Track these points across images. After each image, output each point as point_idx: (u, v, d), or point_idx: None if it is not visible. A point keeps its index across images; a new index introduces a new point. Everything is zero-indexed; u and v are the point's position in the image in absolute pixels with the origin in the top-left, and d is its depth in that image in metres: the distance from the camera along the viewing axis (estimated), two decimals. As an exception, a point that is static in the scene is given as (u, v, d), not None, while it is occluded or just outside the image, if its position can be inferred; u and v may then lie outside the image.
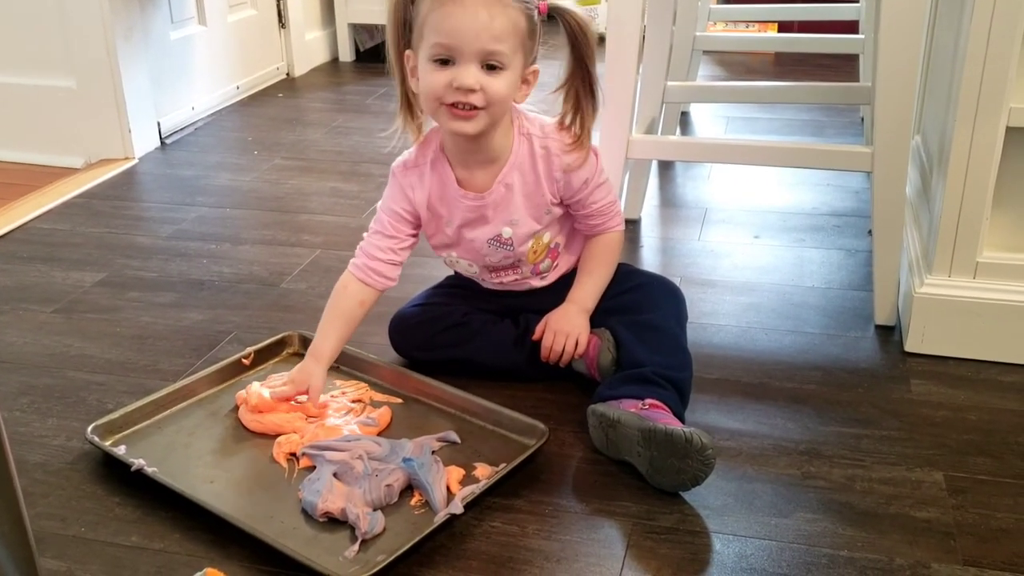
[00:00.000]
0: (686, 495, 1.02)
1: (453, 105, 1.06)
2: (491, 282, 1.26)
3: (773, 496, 1.02)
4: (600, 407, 1.08)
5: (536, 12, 1.08)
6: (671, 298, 1.21)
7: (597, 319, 1.21)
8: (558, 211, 1.19)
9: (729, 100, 2.24)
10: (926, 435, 1.12)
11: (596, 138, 1.43)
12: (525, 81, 1.11)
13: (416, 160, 1.18)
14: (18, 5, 2.01)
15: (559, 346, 1.18)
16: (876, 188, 1.32)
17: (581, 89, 1.12)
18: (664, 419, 1.02)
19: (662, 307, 1.19)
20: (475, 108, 1.06)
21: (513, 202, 1.16)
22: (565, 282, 1.25)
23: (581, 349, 1.18)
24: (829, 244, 1.64)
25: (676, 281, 1.49)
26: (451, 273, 1.34)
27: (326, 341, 1.16)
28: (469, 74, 1.05)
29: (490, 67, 1.05)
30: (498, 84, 1.06)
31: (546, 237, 1.21)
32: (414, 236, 1.21)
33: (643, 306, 1.19)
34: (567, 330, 1.18)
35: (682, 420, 1.08)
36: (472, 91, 1.05)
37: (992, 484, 1.04)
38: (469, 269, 1.25)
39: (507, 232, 1.18)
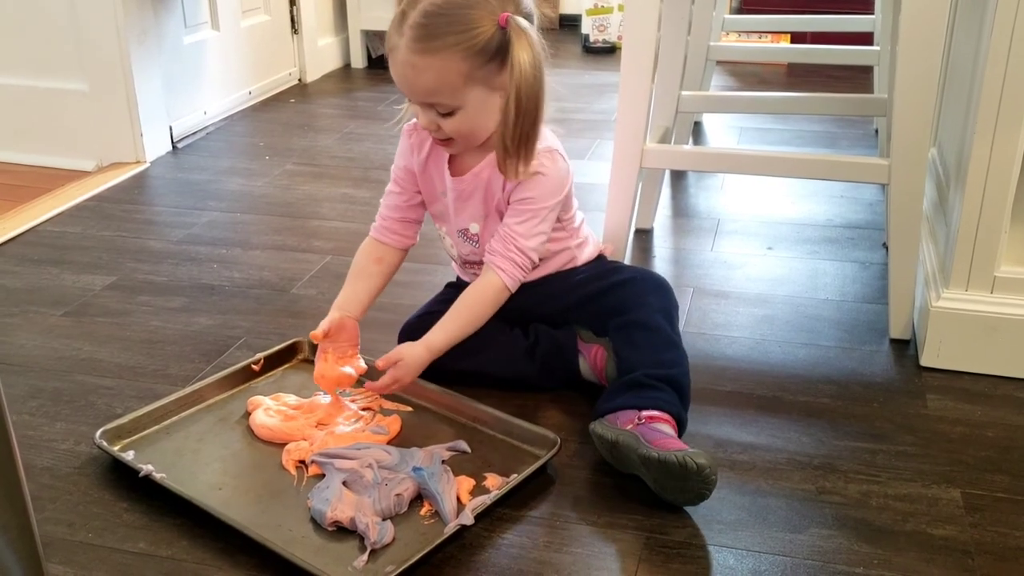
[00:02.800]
0: (699, 508, 1.00)
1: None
2: (467, 275, 1.25)
3: (787, 511, 1.01)
4: (598, 428, 1.06)
5: (494, 30, 1.03)
6: (657, 291, 1.19)
7: (589, 323, 1.20)
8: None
9: (743, 110, 2.23)
10: (942, 451, 1.11)
11: (609, 148, 1.43)
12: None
13: None
14: (32, 8, 2.02)
15: (384, 383, 1.11)
16: (892, 201, 1.30)
17: (507, 128, 1.07)
18: (660, 439, 1.00)
19: (649, 303, 1.16)
20: (448, 139, 1.11)
21: (477, 195, 1.16)
22: (554, 281, 1.23)
23: (394, 387, 1.12)
24: (843, 256, 1.63)
25: (688, 292, 1.49)
26: (451, 280, 1.33)
27: (346, 294, 1.20)
28: (423, 118, 1.09)
29: (440, 112, 1.07)
30: (453, 124, 1.08)
31: None
32: (422, 194, 1.23)
33: (630, 304, 1.17)
34: (401, 374, 1.11)
35: (683, 421, 1.07)
36: (432, 130, 1.09)
37: (1010, 502, 1.02)
38: (451, 251, 1.26)
39: (474, 227, 1.19)
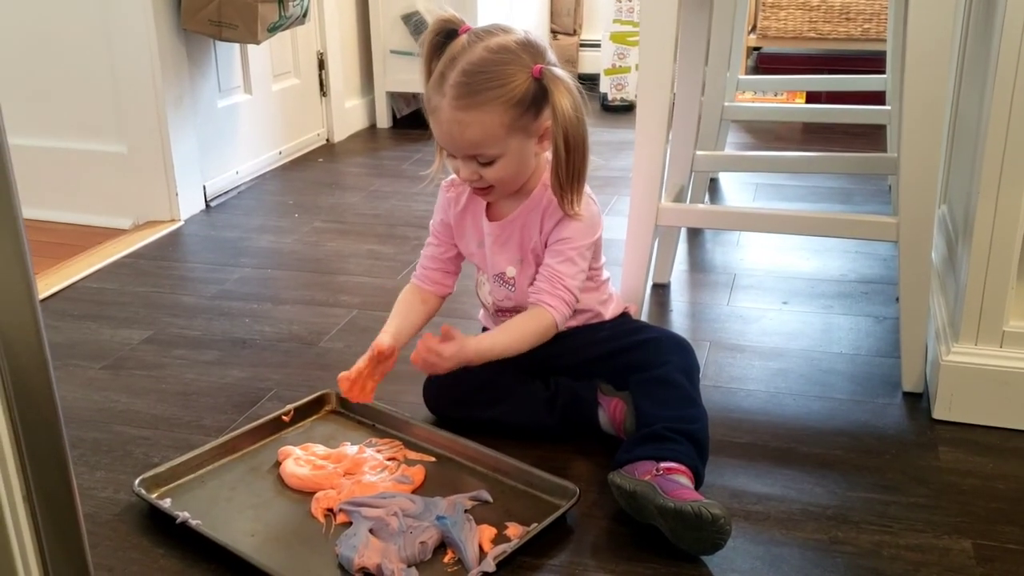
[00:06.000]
0: (714, 557, 1.03)
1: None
2: (499, 323, 1.29)
3: (801, 560, 1.04)
4: (617, 478, 1.09)
5: (529, 82, 1.10)
6: (680, 351, 1.23)
7: (610, 377, 1.25)
8: (542, 251, 1.23)
9: (756, 169, 2.28)
10: (954, 503, 1.13)
11: (628, 204, 1.49)
12: (547, 137, 1.15)
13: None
14: (75, 74, 2.12)
15: (424, 359, 1.14)
16: (902, 257, 1.34)
17: (560, 167, 1.13)
18: (676, 490, 1.03)
19: (671, 361, 1.21)
20: (488, 187, 1.17)
21: (513, 240, 1.23)
22: (579, 335, 1.27)
23: (428, 368, 1.15)
24: (857, 311, 1.66)
25: (705, 346, 1.53)
26: (475, 334, 1.38)
27: (393, 323, 1.25)
28: (465, 169, 1.15)
29: (481, 162, 1.14)
30: (494, 172, 1.15)
31: None
32: (459, 245, 1.29)
33: (652, 362, 1.21)
34: (441, 361, 1.14)
35: (700, 474, 1.10)
36: (474, 180, 1.16)
37: (1021, 553, 1.04)
38: (487, 299, 1.31)
39: (511, 271, 1.24)
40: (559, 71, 1.11)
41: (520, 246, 1.23)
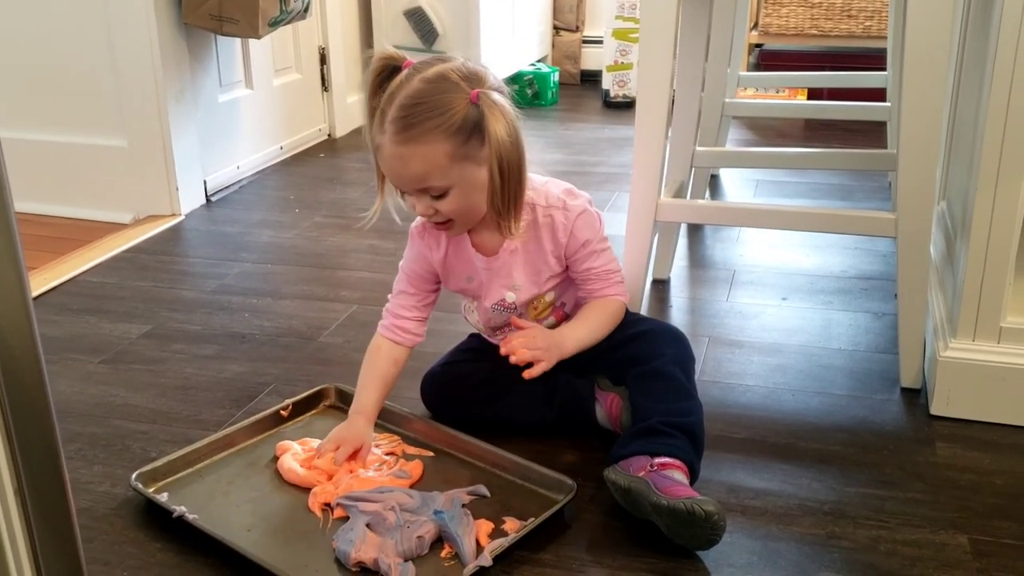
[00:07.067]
0: (711, 552, 1.03)
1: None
2: (495, 339, 1.29)
3: (798, 555, 1.04)
4: (612, 474, 1.09)
5: (467, 109, 1.07)
6: (675, 344, 1.23)
7: (608, 371, 1.25)
8: (558, 268, 1.23)
9: (755, 165, 2.28)
10: (951, 498, 1.13)
11: (627, 201, 1.49)
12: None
13: None
14: (76, 69, 2.12)
15: (523, 353, 1.15)
16: (900, 253, 1.34)
17: (495, 193, 1.10)
18: (670, 486, 1.03)
19: (666, 354, 1.20)
20: (446, 221, 1.15)
21: (515, 267, 1.21)
22: None
23: (535, 368, 1.15)
24: (856, 307, 1.66)
25: (704, 341, 1.53)
26: (474, 331, 1.38)
27: (369, 399, 1.22)
28: (420, 205, 1.13)
29: (433, 196, 1.11)
30: (448, 204, 1.12)
31: (549, 296, 1.25)
32: (435, 290, 1.27)
33: (648, 355, 1.21)
34: (543, 349, 1.16)
35: (696, 469, 1.10)
36: (430, 215, 1.13)
37: (1018, 548, 1.04)
38: (478, 325, 1.31)
39: (510, 297, 1.23)
40: (496, 96, 1.09)
41: (525, 268, 1.21)
